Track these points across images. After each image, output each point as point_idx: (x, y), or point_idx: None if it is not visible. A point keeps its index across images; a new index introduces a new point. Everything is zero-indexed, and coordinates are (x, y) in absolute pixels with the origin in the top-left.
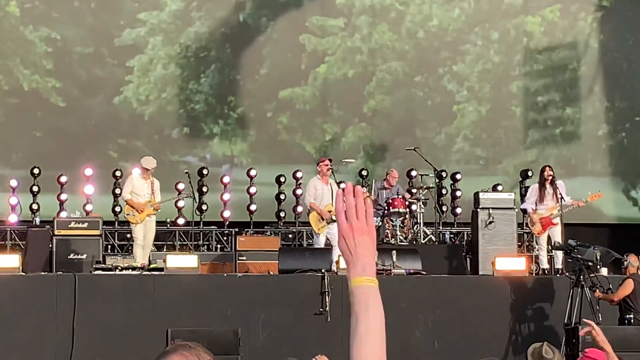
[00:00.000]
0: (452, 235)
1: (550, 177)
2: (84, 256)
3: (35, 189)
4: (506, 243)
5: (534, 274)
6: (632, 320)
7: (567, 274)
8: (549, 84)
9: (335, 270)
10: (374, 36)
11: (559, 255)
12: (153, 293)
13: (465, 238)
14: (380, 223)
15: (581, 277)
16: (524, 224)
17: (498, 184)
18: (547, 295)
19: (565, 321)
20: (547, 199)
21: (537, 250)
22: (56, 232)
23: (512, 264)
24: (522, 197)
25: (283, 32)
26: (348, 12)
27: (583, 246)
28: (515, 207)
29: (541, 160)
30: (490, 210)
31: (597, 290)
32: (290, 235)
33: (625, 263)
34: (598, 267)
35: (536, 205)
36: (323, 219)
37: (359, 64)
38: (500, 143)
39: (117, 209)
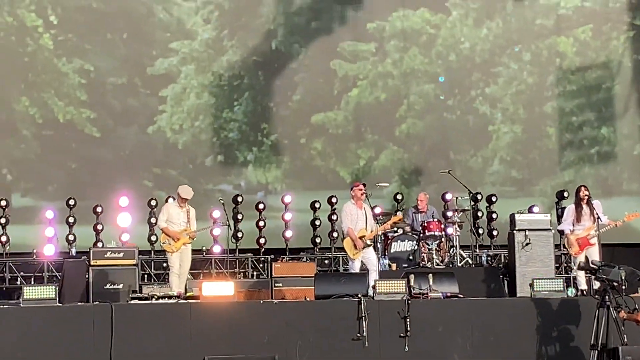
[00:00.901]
0: (488, 258)
1: (586, 197)
2: (121, 286)
3: (71, 220)
4: (543, 265)
5: (572, 296)
6: None
7: (594, 295)
8: (583, 104)
9: (372, 295)
10: (405, 60)
11: None
12: (190, 321)
13: (502, 260)
14: (416, 247)
15: (606, 297)
16: (561, 245)
17: (534, 205)
18: (583, 316)
19: (592, 342)
20: (583, 219)
21: (575, 271)
22: (92, 263)
23: (549, 285)
24: (559, 218)
25: (315, 58)
26: (379, 37)
27: (608, 266)
28: (551, 228)
29: (578, 180)
30: (527, 232)
31: (622, 310)
32: (326, 261)
33: None
34: (623, 287)
35: (573, 225)
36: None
37: (391, 88)
38: (535, 164)
39: (153, 238)
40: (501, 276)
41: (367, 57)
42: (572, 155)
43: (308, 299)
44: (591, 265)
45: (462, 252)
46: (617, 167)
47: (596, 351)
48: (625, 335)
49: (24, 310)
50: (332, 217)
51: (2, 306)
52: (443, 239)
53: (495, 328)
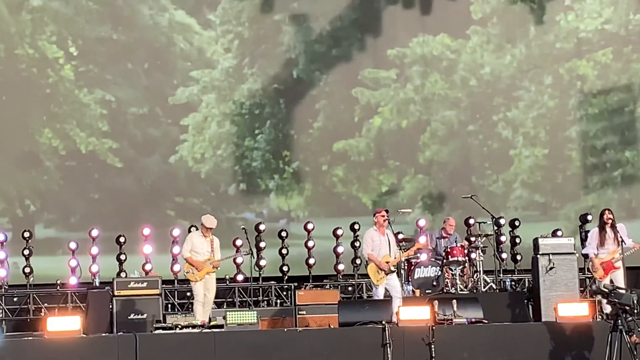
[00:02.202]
0: (512, 283)
1: (610, 221)
2: (145, 316)
3: (94, 250)
4: (568, 289)
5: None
6: None
7: (606, 319)
8: (606, 127)
9: (396, 322)
10: (427, 86)
11: None
12: (214, 350)
13: (527, 285)
14: (440, 272)
15: (619, 321)
16: (585, 269)
17: (558, 229)
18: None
19: None
20: (608, 243)
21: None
22: (116, 293)
23: (575, 310)
24: (583, 241)
25: (336, 85)
26: (400, 63)
27: (620, 290)
28: (575, 252)
29: (602, 204)
30: (551, 256)
31: (635, 334)
32: (349, 288)
33: None
34: (635, 310)
35: (597, 249)
36: (381, 270)
37: (412, 114)
38: (558, 188)
39: (176, 267)
40: (525, 301)
41: (388, 83)
42: (596, 178)
43: (332, 327)
44: (602, 289)
45: (485, 277)
46: None
47: None
48: (638, 359)
49: (48, 341)
50: (355, 243)
51: (26, 338)
52: (466, 264)
53: (520, 353)
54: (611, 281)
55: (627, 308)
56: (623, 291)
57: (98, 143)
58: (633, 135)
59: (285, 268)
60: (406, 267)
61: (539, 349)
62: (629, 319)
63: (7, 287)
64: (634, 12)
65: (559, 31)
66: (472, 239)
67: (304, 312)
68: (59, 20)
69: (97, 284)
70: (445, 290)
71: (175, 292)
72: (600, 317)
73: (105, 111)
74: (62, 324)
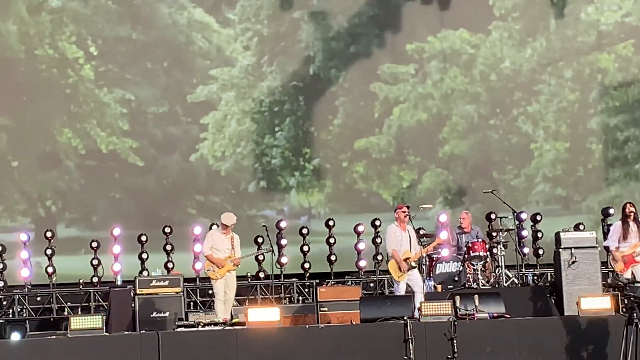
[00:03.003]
0: (535, 277)
1: (633, 214)
2: (167, 314)
3: (115, 249)
4: (590, 282)
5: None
6: None
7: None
8: (627, 119)
9: (418, 317)
10: (446, 81)
11: None
12: (236, 348)
13: (549, 279)
14: (461, 267)
15: (634, 315)
16: (608, 263)
17: (580, 223)
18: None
19: None
20: (630, 236)
21: None
22: (138, 292)
23: (598, 303)
24: (605, 235)
25: (354, 81)
26: (419, 58)
27: (636, 284)
28: (597, 245)
29: (625, 195)
30: (573, 250)
31: None
32: (371, 284)
33: None
34: None
35: (619, 242)
36: (401, 269)
37: (432, 109)
38: (580, 181)
39: (197, 265)
40: (548, 295)
41: (407, 78)
42: (617, 171)
43: (354, 323)
44: (618, 282)
45: (507, 271)
46: None
47: None
48: None
49: (71, 340)
50: (376, 240)
51: (50, 337)
52: (488, 259)
53: (543, 347)
54: (632, 275)
55: None
56: (639, 285)
57: (118, 142)
58: None
59: (306, 265)
60: (427, 263)
61: (562, 343)
62: None
63: (30, 287)
64: None
65: (579, 24)
66: (494, 233)
67: (326, 309)
68: (79, 20)
69: (120, 283)
70: (467, 286)
71: (197, 290)
72: (623, 310)
73: (125, 110)
74: (86, 323)
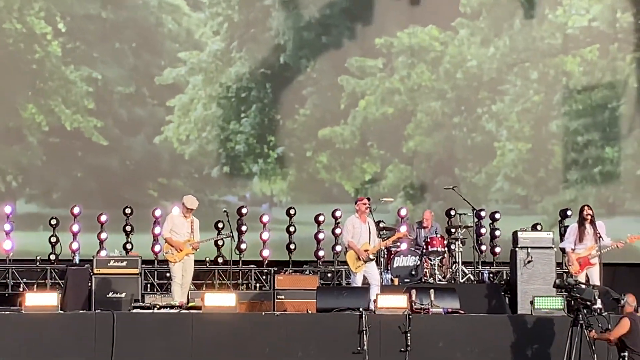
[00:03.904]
0: (490, 275)
1: (590, 217)
2: (123, 295)
3: (75, 227)
4: (544, 282)
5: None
6: (626, 359)
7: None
8: (588, 123)
9: (373, 309)
10: (413, 77)
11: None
12: (191, 331)
13: (504, 277)
14: (419, 262)
15: (579, 316)
16: (563, 264)
17: (537, 224)
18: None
19: None
20: (586, 239)
21: None
22: (95, 271)
23: (551, 303)
24: (561, 236)
25: (323, 72)
26: (387, 53)
27: (582, 285)
28: (554, 246)
29: (580, 199)
30: (529, 250)
31: (593, 330)
32: (328, 274)
33: (623, 302)
34: (596, 306)
35: (575, 244)
36: (360, 259)
37: (398, 104)
38: (540, 182)
39: (157, 247)
40: (503, 293)
41: (374, 72)
42: (576, 174)
43: (310, 312)
44: (565, 283)
45: (464, 268)
46: (620, 186)
47: None
48: (595, 355)
49: (25, 317)
50: (336, 230)
51: (3, 312)
52: (446, 255)
53: (495, 345)
54: (587, 277)
55: (588, 303)
56: (585, 286)
57: (83, 120)
58: (615, 133)
59: (265, 252)
60: (385, 256)
61: (514, 341)
62: (589, 314)
63: None
64: (622, 11)
65: (546, 26)
66: (452, 230)
67: (283, 297)
68: None
69: (77, 262)
70: (423, 280)
71: (155, 272)
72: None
73: (91, 89)
74: (40, 300)
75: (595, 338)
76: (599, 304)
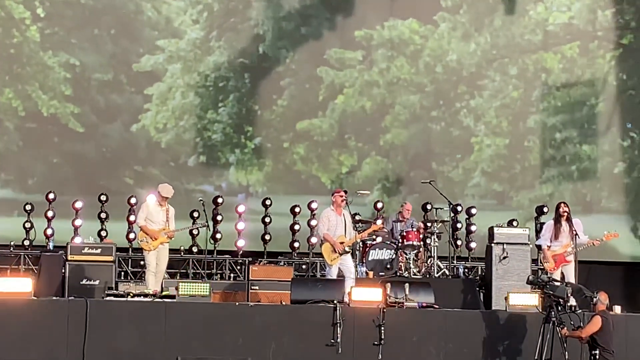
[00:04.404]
0: (466, 270)
1: (566, 214)
2: (97, 282)
3: (50, 214)
4: (519, 279)
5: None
6: (597, 357)
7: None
8: (566, 120)
9: (347, 302)
10: (392, 70)
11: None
12: (165, 320)
13: (479, 272)
14: (394, 255)
15: (552, 313)
16: (539, 260)
17: (513, 220)
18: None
19: (536, 357)
20: (562, 236)
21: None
22: (69, 258)
23: (525, 300)
24: (537, 233)
25: (302, 63)
26: (367, 45)
27: (555, 282)
28: (529, 242)
29: (557, 195)
30: (505, 246)
31: (565, 327)
32: (303, 266)
33: (595, 300)
34: (569, 303)
35: (550, 241)
36: (335, 251)
37: (376, 97)
38: (516, 178)
39: (131, 235)
40: (477, 288)
41: (353, 64)
42: (553, 170)
43: (284, 303)
44: (538, 280)
45: (439, 262)
46: (597, 184)
47: None
48: (567, 353)
49: None
50: (312, 222)
51: None
52: (421, 249)
53: (469, 340)
54: (562, 274)
55: (561, 301)
56: (558, 283)
57: (60, 106)
58: (592, 130)
59: (240, 243)
60: (361, 249)
61: (488, 336)
62: (561, 312)
63: None
64: (602, 9)
65: (527, 22)
66: (428, 224)
67: (257, 288)
68: None
69: (51, 248)
70: (398, 274)
71: (129, 260)
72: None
73: (69, 75)
74: (13, 285)
75: (567, 335)
76: (572, 302)
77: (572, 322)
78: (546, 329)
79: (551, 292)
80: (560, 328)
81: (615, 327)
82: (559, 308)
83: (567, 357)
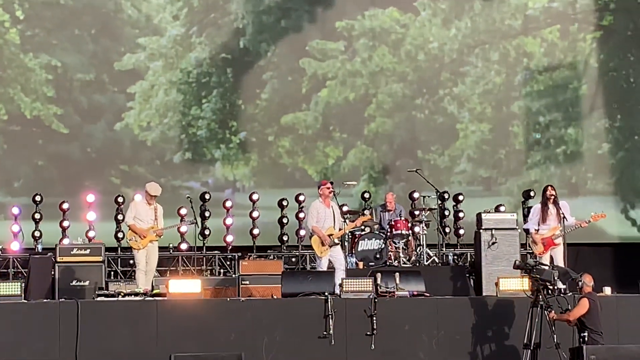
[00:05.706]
0: (455, 257)
1: (553, 197)
2: (87, 283)
3: (37, 216)
4: (509, 264)
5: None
6: (586, 339)
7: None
8: (550, 103)
9: (339, 294)
10: (374, 59)
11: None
12: (156, 319)
13: (469, 259)
14: (383, 245)
15: (539, 297)
16: (527, 245)
17: (501, 205)
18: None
19: (525, 341)
20: (549, 219)
21: None
22: (58, 259)
23: (516, 285)
24: (525, 217)
25: (283, 56)
26: (348, 36)
27: (542, 266)
28: (517, 227)
29: (544, 180)
30: (493, 231)
31: (552, 311)
32: (293, 259)
33: (581, 283)
34: (556, 287)
35: (538, 225)
36: (324, 244)
37: (359, 87)
38: (502, 164)
39: (120, 235)
40: (467, 275)
41: (336, 55)
42: (539, 154)
43: (275, 297)
44: (526, 265)
45: (428, 250)
46: (583, 167)
47: (529, 350)
48: (555, 336)
49: None
50: (300, 215)
51: None
52: (410, 238)
53: (461, 326)
54: (551, 257)
55: (548, 284)
56: (545, 267)
57: (43, 108)
58: (576, 113)
59: (229, 238)
60: (350, 240)
61: (479, 322)
62: (549, 295)
63: None
64: None
65: (506, 8)
66: (416, 212)
67: (247, 282)
68: None
69: (40, 250)
70: (388, 263)
71: (119, 259)
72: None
73: (50, 76)
74: (3, 289)
75: (554, 319)
76: (560, 285)
77: (559, 305)
78: (534, 313)
79: (538, 276)
80: (547, 312)
81: (604, 308)
82: (547, 292)
83: (555, 340)
